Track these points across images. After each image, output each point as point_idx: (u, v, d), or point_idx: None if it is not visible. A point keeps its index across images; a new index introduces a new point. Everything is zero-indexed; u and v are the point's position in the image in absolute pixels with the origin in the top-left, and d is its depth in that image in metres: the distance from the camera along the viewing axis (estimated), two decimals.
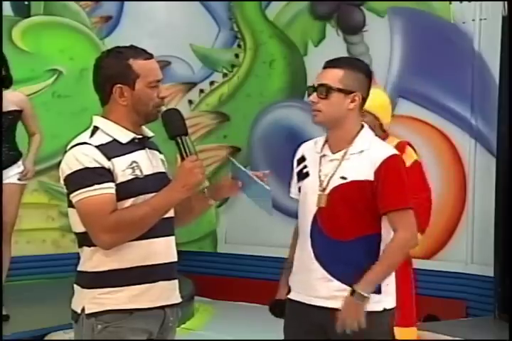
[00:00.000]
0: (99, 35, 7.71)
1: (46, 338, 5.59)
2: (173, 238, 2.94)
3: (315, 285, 3.25)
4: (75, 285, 2.90)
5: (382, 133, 4.96)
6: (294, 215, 3.51)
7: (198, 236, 7.94)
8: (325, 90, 3.22)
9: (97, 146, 2.79)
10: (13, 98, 5.72)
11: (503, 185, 6.38)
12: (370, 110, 4.91)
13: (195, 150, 2.89)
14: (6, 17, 6.97)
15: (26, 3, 7.37)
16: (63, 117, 7.32)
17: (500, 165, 6.42)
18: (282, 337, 3.45)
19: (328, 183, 3.25)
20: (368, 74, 3.31)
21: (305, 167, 3.35)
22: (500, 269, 6.39)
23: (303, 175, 3.35)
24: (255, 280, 7.56)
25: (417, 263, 6.86)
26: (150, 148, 2.95)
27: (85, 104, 7.23)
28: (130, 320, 2.81)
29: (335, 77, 3.23)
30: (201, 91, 8.09)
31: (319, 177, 3.28)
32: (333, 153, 3.29)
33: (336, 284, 3.21)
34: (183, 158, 2.81)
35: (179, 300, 2.97)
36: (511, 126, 6.29)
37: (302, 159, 3.39)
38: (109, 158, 2.78)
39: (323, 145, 3.33)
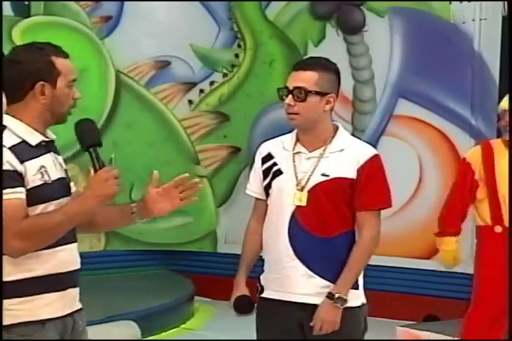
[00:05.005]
0: (99, 35, 7.71)
1: None
2: (76, 245, 2.82)
3: (297, 283, 3.29)
4: None
5: None
6: None
7: (198, 236, 7.94)
8: (302, 93, 3.23)
9: (9, 148, 2.62)
10: None
11: None
12: None
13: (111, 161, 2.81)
14: (6, 17, 6.97)
15: (26, 3, 7.37)
16: None
17: None
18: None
19: (308, 180, 3.27)
20: (338, 74, 3.34)
21: (275, 164, 3.35)
22: None
23: (274, 173, 3.34)
24: (255, 280, 7.54)
25: (417, 263, 6.91)
26: (54, 152, 2.81)
27: (85, 104, 7.22)
28: (43, 331, 2.69)
29: (310, 79, 3.24)
30: (201, 91, 8.08)
31: (295, 174, 3.29)
32: (310, 151, 3.30)
33: (319, 281, 3.26)
34: (95, 170, 2.68)
35: (81, 305, 2.87)
36: (511, 126, 6.28)
37: (269, 157, 3.38)
38: (21, 161, 2.62)
39: (295, 143, 3.34)
